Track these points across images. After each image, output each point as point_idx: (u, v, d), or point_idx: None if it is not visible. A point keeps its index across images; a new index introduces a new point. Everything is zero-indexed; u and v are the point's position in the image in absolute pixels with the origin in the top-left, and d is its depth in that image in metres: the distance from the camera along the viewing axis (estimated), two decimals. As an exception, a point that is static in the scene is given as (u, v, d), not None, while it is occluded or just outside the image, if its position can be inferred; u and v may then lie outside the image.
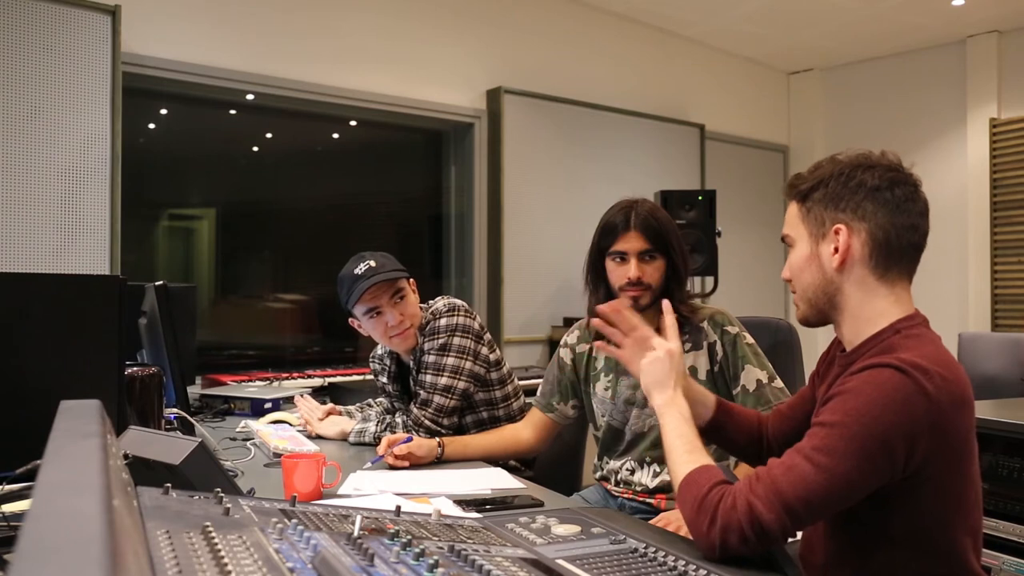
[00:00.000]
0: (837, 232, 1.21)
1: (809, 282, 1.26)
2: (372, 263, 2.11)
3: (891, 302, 1.21)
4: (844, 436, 1.08)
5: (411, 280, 2.19)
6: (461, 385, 2.12)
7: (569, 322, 4.39)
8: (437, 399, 2.09)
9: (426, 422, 2.07)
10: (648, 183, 4.95)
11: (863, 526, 1.18)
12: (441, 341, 2.12)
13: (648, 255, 1.86)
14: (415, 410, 2.08)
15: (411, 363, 2.22)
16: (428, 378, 2.12)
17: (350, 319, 2.21)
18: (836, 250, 1.21)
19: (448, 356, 2.11)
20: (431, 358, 2.12)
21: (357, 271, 2.10)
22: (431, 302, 2.24)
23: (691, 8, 5.08)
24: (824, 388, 1.28)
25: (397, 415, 2.18)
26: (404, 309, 2.13)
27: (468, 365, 2.13)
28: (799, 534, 1.31)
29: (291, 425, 2.27)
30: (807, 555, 1.31)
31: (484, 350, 2.19)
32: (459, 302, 2.21)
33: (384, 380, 2.34)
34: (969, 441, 1.17)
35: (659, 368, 1.36)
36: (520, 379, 2.40)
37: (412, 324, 2.15)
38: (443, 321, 2.14)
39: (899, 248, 1.20)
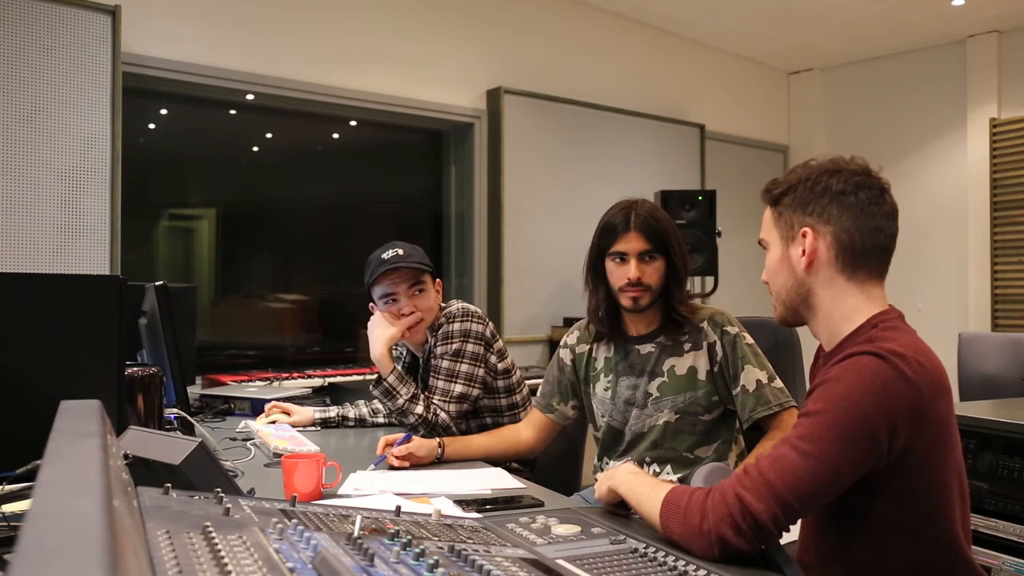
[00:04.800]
0: (804, 235, 1.25)
1: (782, 284, 1.31)
2: (400, 251, 2.15)
3: (862, 300, 1.24)
4: (828, 423, 1.11)
5: (437, 280, 2.23)
6: (474, 392, 2.14)
7: (569, 322, 4.39)
8: (453, 407, 2.11)
9: (453, 428, 2.09)
10: (648, 183, 4.95)
11: (853, 519, 1.20)
12: (455, 346, 2.14)
13: (648, 255, 1.86)
14: (441, 415, 2.08)
15: (420, 360, 2.28)
16: (441, 383, 2.12)
17: (370, 303, 2.24)
18: (804, 252, 1.25)
19: (462, 363, 2.13)
20: (444, 363, 2.13)
21: (384, 255, 2.14)
22: (445, 304, 2.26)
23: (691, 8, 5.08)
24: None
25: (362, 405, 2.36)
26: (419, 303, 2.16)
27: (480, 373, 2.15)
28: (796, 533, 1.31)
29: (291, 425, 2.27)
30: (802, 555, 1.31)
31: (493, 358, 2.20)
32: (473, 308, 2.22)
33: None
34: (949, 427, 1.19)
35: (606, 477, 1.40)
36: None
37: (424, 320, 2.17)
38: (456, 326, 2.15)
39: (864, 250, 1.24)
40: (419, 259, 2.16)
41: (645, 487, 1.27)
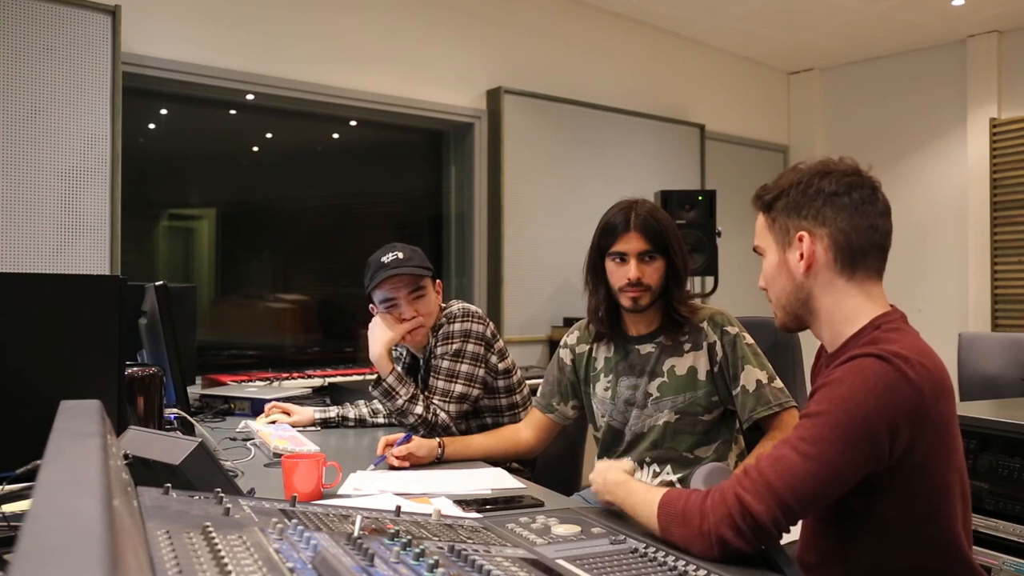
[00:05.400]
0: (800, 239, 1.25)
1: (781, 289, 1.30)
2: (400, 255, 2.13)
3: (863, 300, 1.24)
4: (829, 424, 1.11)
5: (437, 281, 2.23)
6: (475, 392, 2.14)
7: (569, 322, 4.39)
8: (453, 407, 2.11)
9: (453, 428, 2.09)
10: (648, 183, 4.95)
11: (853, 519, 1.20)
12: (455, 347, 2.14)
13: (648, 256, 1.86)
14: (441, 415, 2.08)
15: (421, 360, 2.28)
16: (441, 383, 2.12)
17: (370, 305, 2.23)
18: (801, 256, 1.25)
19: (462, 363, 2.13)
20: (445, 363, 2.13)
21: (384, 259, 2.13)
22: (445, 305, 2.25)
23: (691, 8, 5.08)
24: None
25: (362, 405, 2.37)
26: (420, 307, 2.16)
27: (481, 373, 2.15)
28: (796, 533, 1.31)
29: (291, 425, 2.27)
30: (803, 555, 1.31)
31: (493, 359, 2.21)
32: (474, 308, 2.22)
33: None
34: (951, 429, 1.19)
35: (600, 492, 1.40)
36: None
37: (424, 324, 2.17)
38: (457, 326, 2.15)
39: (861, 249, 1.23)
40: (419, 262, 2.15)
41: (638, 494, 1.27)
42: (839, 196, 1.23)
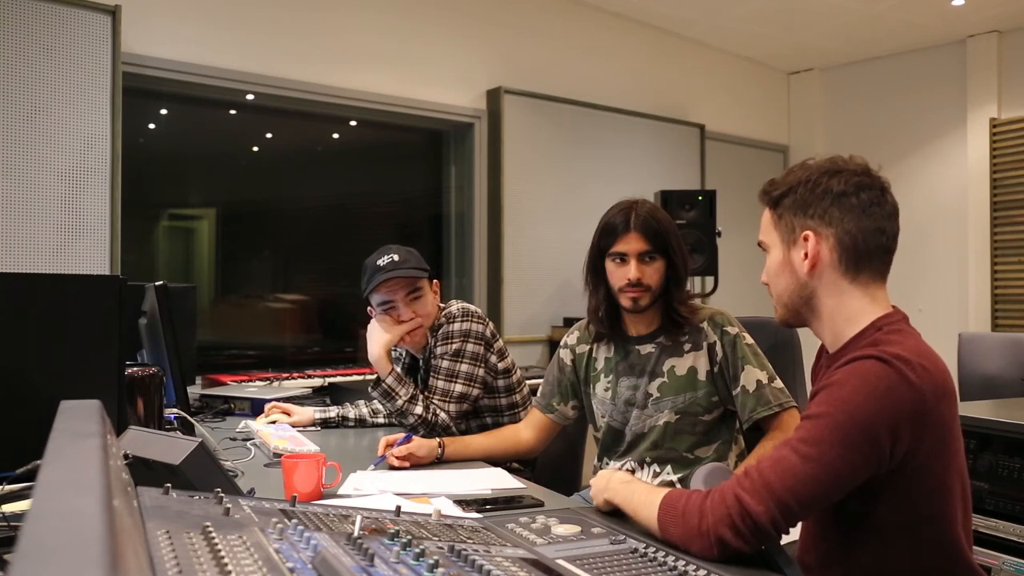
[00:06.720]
0: (806, 239, 1.24)
1: (784, 287, 1.29)
2: (395, 257, 2.13)
3: (867, 302, 1.23)
4: (829, 426, 1.10)
5: (435, 281, 2.23)
6: (475, 392, 2.14)
7: (569, 322, 4.39)
8: (453, 407, 2.10)
9: (453, 428, 2.09)
10: (648, 183, 4.95)
11: (854, 521, 1.19)
12: (455, 346, 2.14)
13: (648, 256, 1.86)
14: (441, 415, 2.08)
15: (420, 361, 2.28)
16: (441, 383, 2.12)
17: (368, 307, 2.23)
18: (806, 256, 1.24)
19: (462, 363, 2.13)
20: (444, 363, 2.13)
21: (380, 262, 2.13)
22: (444, 304, 2.25)
23: (691, 8, 5.08)
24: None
25: (362, 406, 2.39)
26: (418, 308, 2.16)
27: (480, 372, 2.15)
28: (796, 534, 1.31)
29: (291, 425, 2.27)
30: (803, 556, 1.31)
31: (493, 358, 2.21)
32: (473, 308, 2.22)
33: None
34: (953, 431, 1.19)
35: (601, 489, 1.41)
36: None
37: (423, 324, 2.17)
38: (456, 326, 2.15)
39: (867, 251, 1.22)
40: (415, 264, 2.14)
41: (640, 494, 1.27)
42: (847, 196, 1.22)
